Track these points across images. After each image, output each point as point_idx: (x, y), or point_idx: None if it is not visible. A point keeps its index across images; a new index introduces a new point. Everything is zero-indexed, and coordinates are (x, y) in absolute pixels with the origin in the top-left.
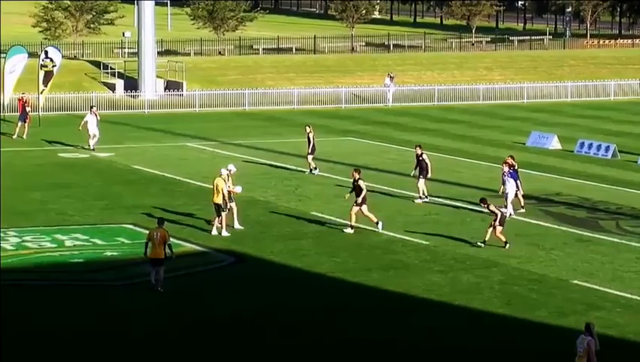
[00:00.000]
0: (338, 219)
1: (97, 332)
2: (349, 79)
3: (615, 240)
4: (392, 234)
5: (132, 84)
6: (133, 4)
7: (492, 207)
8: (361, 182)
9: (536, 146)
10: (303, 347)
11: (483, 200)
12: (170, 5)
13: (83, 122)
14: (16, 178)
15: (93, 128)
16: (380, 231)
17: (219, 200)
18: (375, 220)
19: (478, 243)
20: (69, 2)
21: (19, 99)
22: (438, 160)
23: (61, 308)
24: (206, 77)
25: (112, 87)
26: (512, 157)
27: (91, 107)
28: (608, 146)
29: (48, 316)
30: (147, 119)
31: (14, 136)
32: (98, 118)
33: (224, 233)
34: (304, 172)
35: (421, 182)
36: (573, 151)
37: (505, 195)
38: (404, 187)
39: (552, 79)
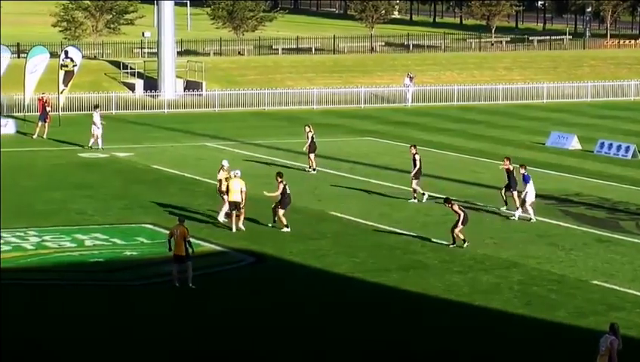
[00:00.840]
0: (357, 219)
1: (116, 332)
2: (369, 79)
3: (635, 240)
4: (411, 234)
5: (152, 84)
6: (153, 4)
7: (455, 207)
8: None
9: (556, 146)
10: (322, 347)
11: (447, 201)
12: (190, 5)
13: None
14: (37, 178)
15: (96, 128)
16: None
17: (236, 198)
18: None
19: (450, 246)
20: (89, 2)
21: (39, 99)
22: (457, 160)
23: (80, 308)
24: (225, 77)
25: (131, 87)
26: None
27: (95, 106)
28: (628, 147)
29: (67, 316)
30: (167, 119)
31: (35, 136)
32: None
33: (241, 226)
34: (306, 170)
35: (415, 182)
36: (592, 152)
37: (524, 196)
38: (424, 187)
39: (572, 79)
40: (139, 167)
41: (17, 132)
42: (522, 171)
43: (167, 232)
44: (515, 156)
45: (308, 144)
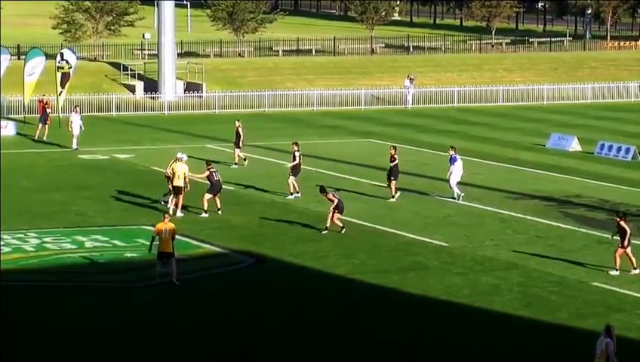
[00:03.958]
0: (357, 221)
1: (116, 334)
2: (369, 81)
3: (635, 242)
4: (411, 235)
5: (152, 86)
6: (154, 5)
7: (330, 195)
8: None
9: (556, 148)
10: (322, 348)
11: (322, 190)
12: (190, 7)
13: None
14: (37, 179)
15: (77, 128)
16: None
17: (179, 183)
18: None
19: (323, 232)
20: (89, 4)
21: (39, 101)
22: None
23: (81, 309)
24: (226, 78)
25: (132, 89)
26: (452, 147)
27: (75, 107)
28: (628, 148)
29: (68, 317)
30: (167, 121)
31: (35, 138)
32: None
33: (179, 213)
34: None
35: (393, 183)
36: (593, 153)
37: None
38: (425, 189)
39: (572, 81)
40: (139, 169)
41: (17, 134)
42: (451, 153)
43: (155, 228)
44: (515, 158)
45: (240, 139)
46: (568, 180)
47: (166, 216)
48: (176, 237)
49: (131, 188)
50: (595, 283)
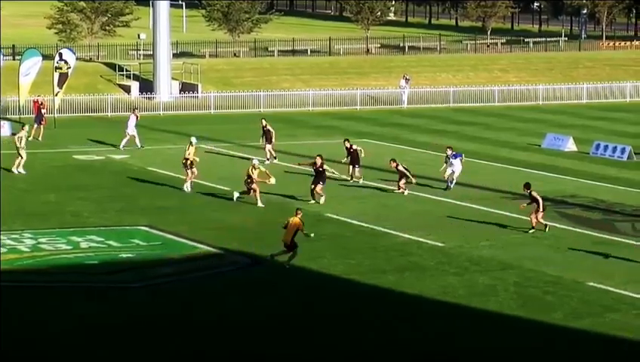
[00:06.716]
0: (353, 221)
1: (112, 334)
2: (364, 81)
3: (631, 242)
4: (407, 236)
5: (147, 86)
6: (149, 6)
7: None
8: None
9: (552, 148)
10: (318, 349)
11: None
12: (186, 7)
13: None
14: (32, 180)
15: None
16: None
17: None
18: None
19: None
20: (84, 4)
21: (34, 102)
22: None
23: (76, 310)
24: (221, 79)
25: (127, 89)
26: (449, 147)
27: (134, 109)
28: (624, 148)
29: (63, 318)
30: (162, 121)
31: (30, 138)
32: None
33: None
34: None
35: (357, 171)
36: (588, 153)
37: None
38: (421, 189)
39: (568, 81)
40: (134, 169)
41: (13, 134)
42: (449, 153)
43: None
44: (511, 158)
45: (269, 137)
46: (564, 180)
47: (298, 211)
48: (172, 237)
49: (126, 189)
50: (591, 284)
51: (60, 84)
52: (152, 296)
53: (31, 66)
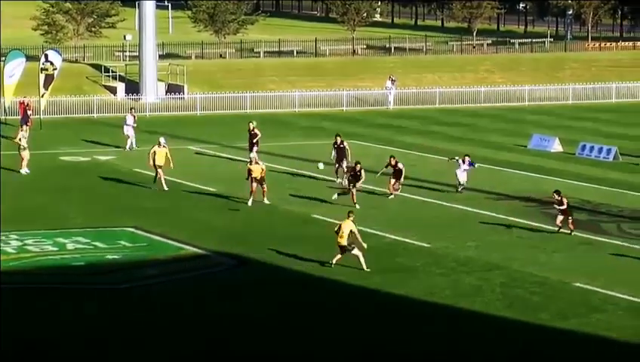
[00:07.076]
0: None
1: (99, 335)
2: (351, 82)
3: (616, 242)
4: (393, 236)
5: (133, 88)
6: (135, 7)
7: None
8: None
9: (538, 149)
10: (303, 351)
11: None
12: (172, 8)
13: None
14: (18, 181)
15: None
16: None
17: (161, 162)
18: None
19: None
20: (70, 5)
21: (20, 103)
22: (439, 162)
23: (63, 312)
24: (207, 80)
25: (113, 91)
26: (467, 155)
27: (131, 108)
28: (610, 149)
29: (49, 319)
30: (148, 122)
31: (16, 140)
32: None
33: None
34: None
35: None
36: (574, 154)
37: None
38: (407, 190)
39: (554, 82)
40: (121, 171)
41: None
42: (467, 160)
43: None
44: (496, 158)
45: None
46: (550, 181)
47: (350, 213)
48: (159, 239)
49: (113, 190)
50: (577, 284)
51: (46, 86)
52: (139, 297)
53: (15, 67)
